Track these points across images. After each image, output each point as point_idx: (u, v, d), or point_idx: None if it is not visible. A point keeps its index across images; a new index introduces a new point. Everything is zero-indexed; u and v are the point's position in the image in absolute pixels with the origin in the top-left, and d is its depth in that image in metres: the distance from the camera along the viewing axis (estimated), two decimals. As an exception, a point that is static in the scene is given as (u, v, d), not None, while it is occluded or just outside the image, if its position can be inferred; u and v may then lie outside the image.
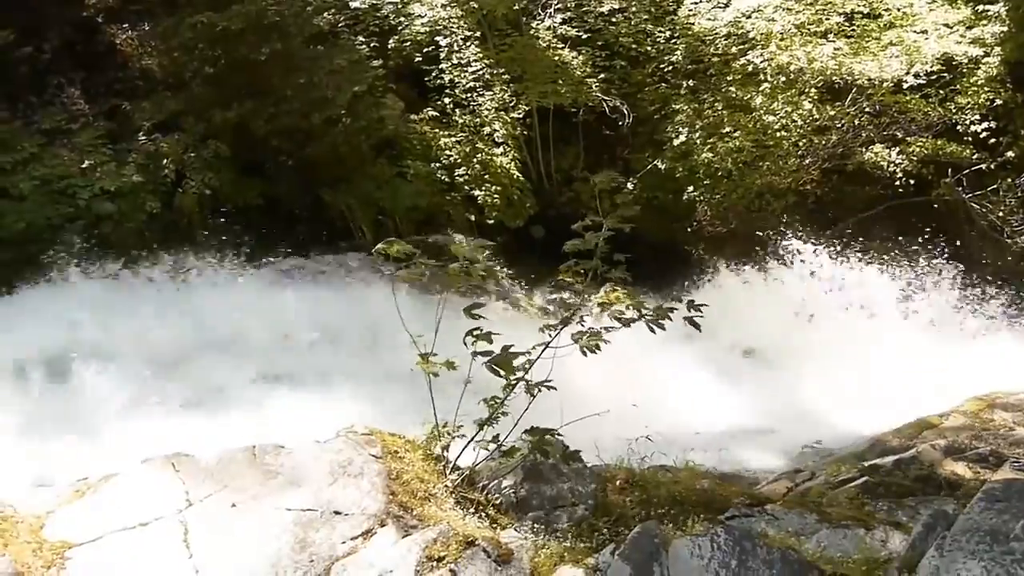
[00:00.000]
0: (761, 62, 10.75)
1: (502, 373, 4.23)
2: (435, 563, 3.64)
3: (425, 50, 11.44)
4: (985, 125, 10.56)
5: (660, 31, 11.65)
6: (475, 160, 11.02)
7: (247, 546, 3.76)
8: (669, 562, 3.37)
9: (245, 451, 4.25)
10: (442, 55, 11.43)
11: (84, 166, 9.94)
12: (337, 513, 3.91)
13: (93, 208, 9.68)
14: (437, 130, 11.25)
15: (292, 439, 4.40)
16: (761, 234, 10.87)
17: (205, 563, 3.71)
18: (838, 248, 10.49)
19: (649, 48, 11.68)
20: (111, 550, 3.78)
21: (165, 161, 10.22)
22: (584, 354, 4.26)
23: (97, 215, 9.67)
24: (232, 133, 10.42)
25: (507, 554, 3.71)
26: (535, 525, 4.08)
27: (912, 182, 10.67)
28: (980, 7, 10.75)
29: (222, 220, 10.19)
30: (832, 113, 10.81)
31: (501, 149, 11.21)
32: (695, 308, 4.36)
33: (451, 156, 11.02)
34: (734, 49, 11.06)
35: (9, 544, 3.75)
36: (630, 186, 10.68)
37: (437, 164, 10.96)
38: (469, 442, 4.35)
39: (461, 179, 10.93)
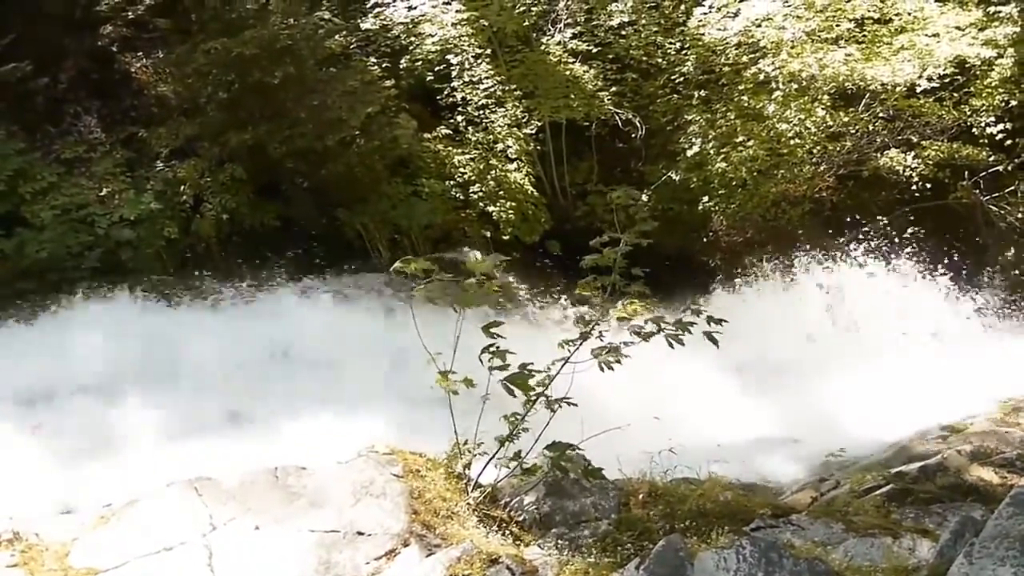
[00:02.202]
0: (772, 70, 10.72)
1: (516, 393, 4.24)
2: (460, 582, 3.64)
3: (436, 69, 11.45)
4: (1000, 127, 10.47)
5: (670, 43, 11.63)
6: (489, 177, 11.03)
7: (271, 569, 3.77)
8: (695, 575, 3.35)
9: (267, 473, 4.28)
10: (454, 73, 11.45)
11: (103, 194, 10.06)
12: (360, 534, 3.92)
13: (112, 236, 9.78)
14: (451, 148, 11.27)
15: (314, 460, 4.42)
16: (778, 243, 10.84)
17: (230, 586, 3.73)
18: (857, 255, 10.44)
19: (660, 60, 11.67)
20: (137, 574, 3.80)
21: (182, 187, 10.32)
22: (602, 370, 4.27)
23: (116, 242, 9.78)
24: (248, 156, 10.50)
25: (531, 571, 3.70)
26: (559, 541, 4.07)
27: (929, 186, 10.60)
28: (992, 9, 10.68)
29: (240, 243, 10.25)
30: (846, 119, 10.76)
31: (515, 165, 11.21)
32: (715, 323, 4.35)
33: (465, 173, 11.04)
34: (745, 58, 11.04)
35: (36, 572, 3.78)
36: (645, 198, 10.65)
37: (451, 182, 10.98)
38: (490, 459, 4.36)
39: (476, 196, 10.94)
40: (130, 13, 11.04)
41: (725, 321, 4.35)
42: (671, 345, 4.28)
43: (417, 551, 3.84)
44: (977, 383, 7.23)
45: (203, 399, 7.82)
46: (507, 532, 4.12)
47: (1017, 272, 10.32)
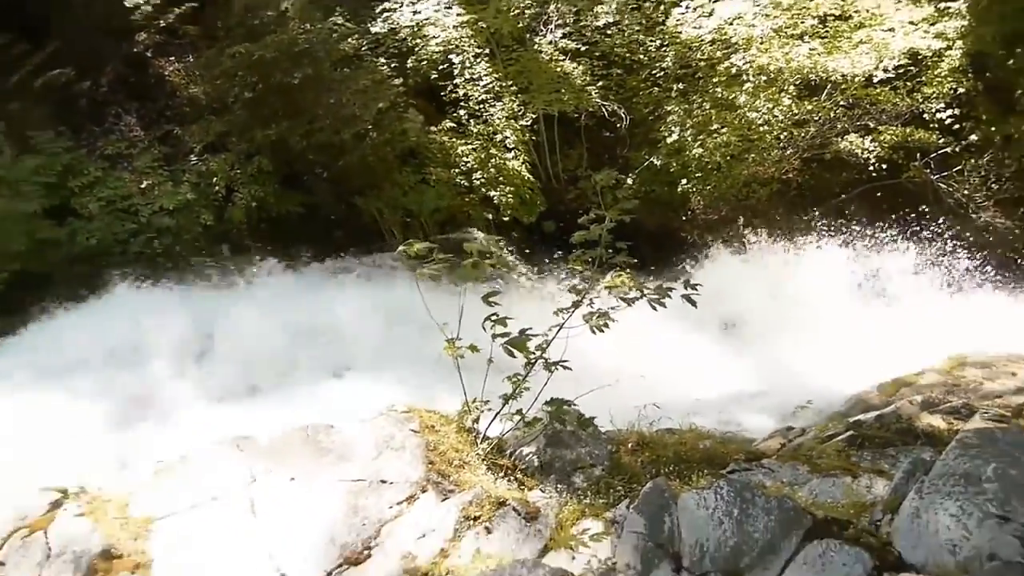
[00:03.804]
0: (743, 64, 10.71)
1: (517, 354, 4.29)
2: (472, 522, 3.71)
3: (440, 68, 11.44)
4: (949, 112, 10.51)
5: (651, 40, 11.61)
6: (490, 165, 11.04)
7: (306, 514, 3.84)
8: (678, 513, 3.42)
9: (299, 431, 4.33)
10: (456, 71, 11.43)
11: (143, 186, 10.04)
12: (383, 482, 3.98)
13: (153, 223, 9.78)
14: (454, 139, 11.27)
15: (340, 419, 4.46)
16: (749, 218, 10.86)
17: (271, 529, 3.81)
18: (820, 228, 10.47)
19: (642, 56, 11.65)
20: (188, 522, 3.88)
21: (215, 178, 10.31)
22: (593, 332, 4.31)
23: (157, 229, 9.77)
24: (272, 150, 10.48)
25: (534, 511, 3.77)
26: (558, 485, 4.14)
27: (885, 167, 10.63)
28: (942, 4, 10.66)
29: (268, 228, 10.27)
30: (810, 107, 10.76)
31: (512, 154, 11.22)
32: (691, 287, 4.40)
33: (468, 162, 11.05)
34: (718, 53, 11.02)
35: (100, 521, 3.85)
36: (630, 181, 10.68)
37: (456, 170, 10.99)
38: (496, 415, 4.42)
39: (478, 182, 10.96)
40: (162, 21, 10.96)
41: (700, 284, 4.40)
42: (654, 308, 4.33)
43: (434, 496, 3.90)
44: (926, 341, 7.26)
45: (240, 368, 7.85)
46: (512, 478, 4.18)
47: (961, 243, 10.34)
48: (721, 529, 3.29)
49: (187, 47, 11.66)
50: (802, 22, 10.74)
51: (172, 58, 11.73)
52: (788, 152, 11.00)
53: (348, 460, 4.11)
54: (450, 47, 11.38)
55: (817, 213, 10.70)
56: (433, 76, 11.48)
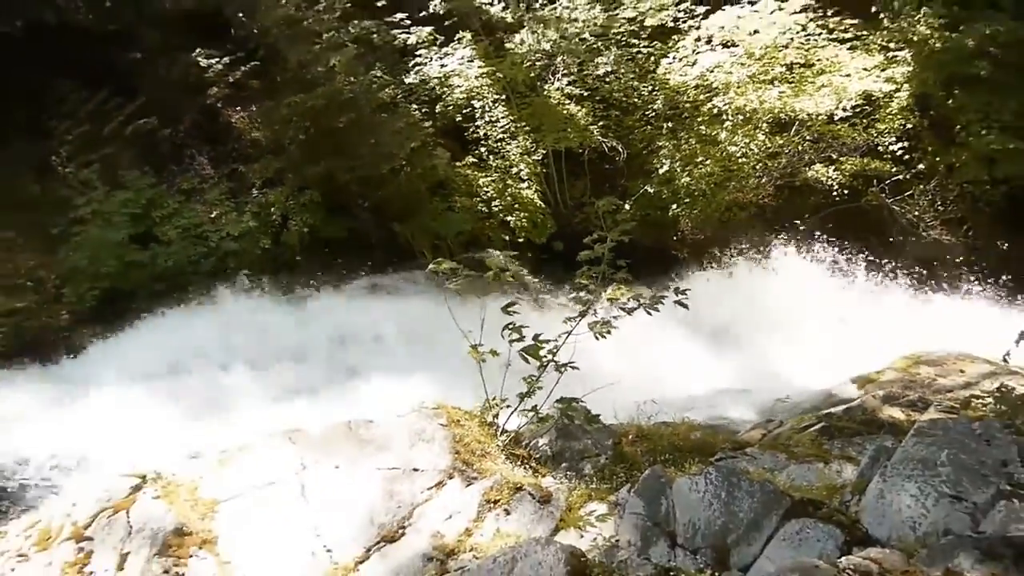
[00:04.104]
0: (723, 105, 10.66)
1: (530, 361, 4.26)
2: (492, 504, 3.66)
3: (464, 112, 11.44)
4: (900, 145, 10.45)
5: (644, 86, 11.56)
6: (507, 194, 11.02)
7: (349, 497, 3.80)
8: (673, 496, 3.35)
9: (343, 425, 4.29)
10: (477, 115, 11.44)
11: (213, 216, 10.08)
12: (416, 470, 3.94)
13: (221, 247, 9.81)
14: (476, 172, 11.25)
15: (378, 414, 4.43)
16: (731, 238, 10.79)
17: (319, 510, 3.77)
18: (792, 245, 10.38)
19: (636, 100, 11.61)
20: (248, 503, 3.85)
21: (272, 208, 10.32)
22: (597, 339, 4.27)
23: (224, 252, 9.80)
24: (321, 183, 10.49)
25: (547, 495, 3.71)
26: (567, 472, 4.09)
27: (846, 192, 10.53)
28: (891, 53, 10.62)
29: (318, 251, 10.27)
30: (781, 142, 10.70)
31: (526, 184, 11.20)
32: (681, 293, 4.36)
33: (488, 192, 11.02)
34: (702, 97, 10.97)
35: (174, 502, 3.83)
36: (627, 207, 10.54)
37: (478, 198, 10.96)
38: (513, 411, 4.37)
39: (496, 209, 10.92)
40: (230, 77, 11.04)
41: (689, 290, 4.35)
42: (649, 314, 4.29)
43: (459, 482, 3.85)
44: (885, 344, 7.15)
45: (292, 371, 7.85)
46: (528, 466, 4.13)
47: (913, 258, 10.25)
48: (711, 510, 3.22)
49: (251, 98, 11.72)
50: (772, 69, 10.69)
51: (238, 108, 11.81)
52: (763, 180, 10.93)
53: (385, 450, 4.07)
54: (472, 94, 11.40)
55: (790, 232, 10.61)
56: (458, 119, 11.49)
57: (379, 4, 11.13)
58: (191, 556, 3.59)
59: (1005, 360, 4.00)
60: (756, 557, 3.08)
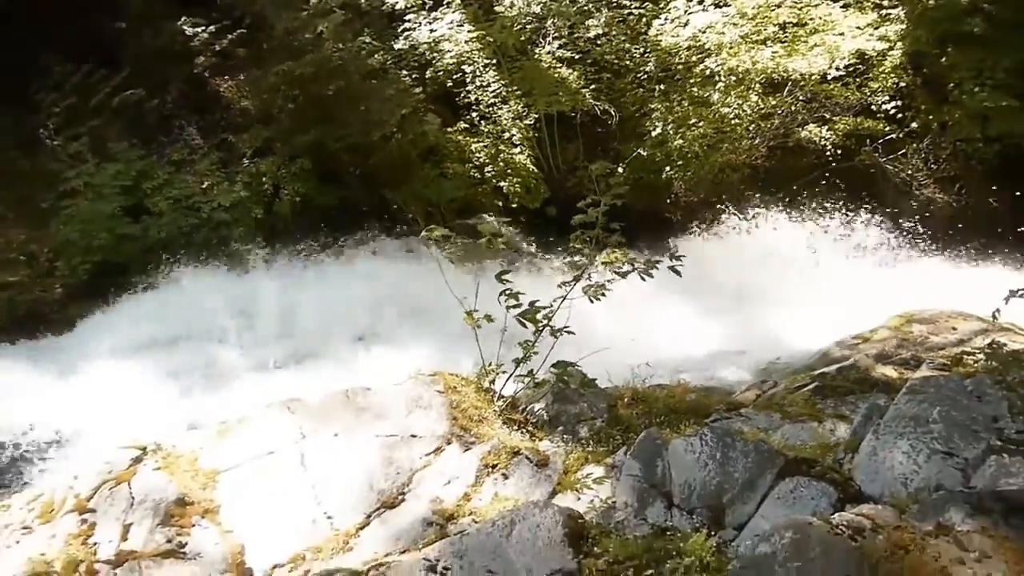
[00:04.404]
0: (716, 67, 10.56)
1: (528, 326, 4.25)
2: (490, 469, 3.68)
3: (454, 77, 11.31)
4: (893, 104, 10.42)
5: (635, 48, 11.44)
6: (499, 159, 10.95)
7: (349, 464, 3.82)
8: (669, 457, 3.38)
9: (341, 394, 4.29)
10: (467, 80, 11.31)
11: (204, 186, 9.98)
12: (414, 436, 3.96)
13: (213, 218, 9.73)
14: (468, 138, 11.17)
15: (375, 382, 4.43)
16: (724, 200, 10.76)
17: (318, 478, 3.79)
18: (785, 206, 10.37)
19: (628, 62, 11.49)
20: (249, 472, 3.87)
21: (264, 178, 10.22)
22: (591, 302, 4.27)
23: (216, 223, 9.71)
24: (312, 152, 10.39)
25: (544, 459, 3.74)
26: (564, 436, 4.11)
27: (839, 152, 10.52)
28: (884, 11, 10.54)
29: (310, 219, 10.20)
30: (774, 102, 10.65)
31: (518, 149, 11.13)
32: (676, 258, 4.34)
33: (480, 157, 10.95)
34: (694, 58, 10.85)
35: (175, 474, 3.85)
36: (620, 170, 10.55)
37: (470, 164, 10.88)
38: (510, 376, 4.38)
39: (489, 174, 10.86)
40: (217, 46, 10.88)
41: (684, 256, 4.34)
42: (643, 279, 4.28)
43: (457, 447, 3.88)
44: (878, 302, 7.18)
45: (289, 340, 7.86)
46: (524, 431, 4.15)
47: (906, 216, 10.25)
48: (706, 470, 3.25)
49: (238, 67, 11.55)
50: (765, 29, 10.57)
51: (226, 77, 11.64)
52: (756, 141, 10.89)
53: (383, 418, 4.08)
54: (462, 59, 11.25)
55: (783, 193, 10.58)
56: (448, 84, 11.35)
57: (366, -32, 10.98)
58: (193, 525, 3.61)
59: (994, 317, 4.00)
60: (751, 516, 3.12)
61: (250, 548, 3.57)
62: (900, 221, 10.13)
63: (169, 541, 3.53)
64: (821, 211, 10.12)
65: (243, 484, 3.82)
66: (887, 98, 10.40)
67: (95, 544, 3.55)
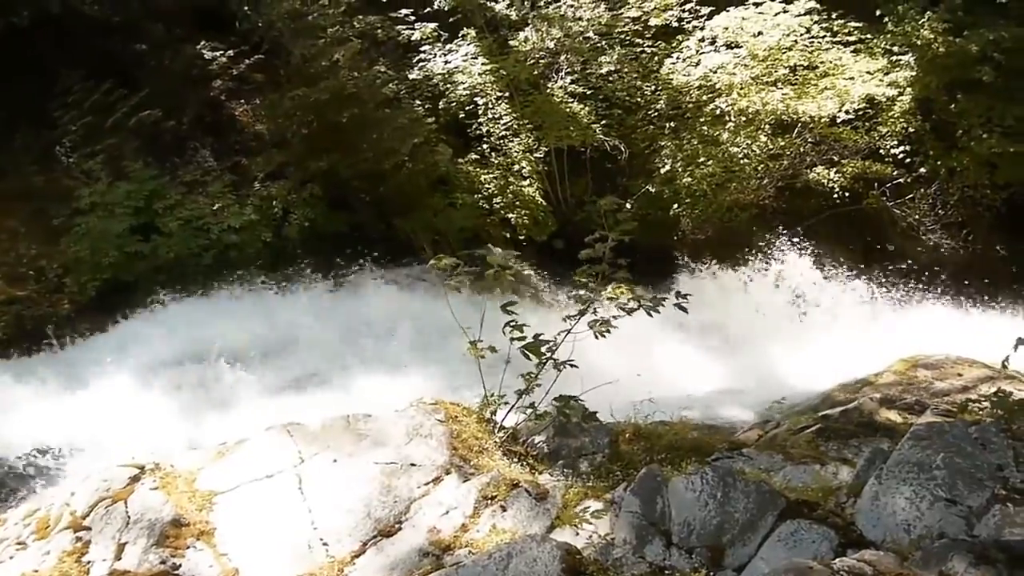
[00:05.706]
0: (726, 107, 10.65)
1: (532, 358, 4.24)
2: (489, 501, 3.65)
3: (467, 108, 11.43)
4: (901, 148, 10.45)
5: (647, 86, 11.55)
6: (508, 191, 11.01)
7: (346, 491, 3.78)
8: (669, 495, 3.34)
9: (342, 419, 4.26)
10: (480, 112, 11.43)
11: (215, 208, 10.05)
12: (413, 465, 3.91)
13: (222, 239, 9.79)
14: (478, 169, 11.24)
15: (376, 409, 4.40)
16: (731, 239, 10.78)
17: (316, 504, 3.75)
18: (792, 248, 10.37)
19: (639, 99, 11.60)
20: (246, 496, 3.83)
21: (274, 202, 10.31)
22: (597, 338, 4.25)
23: (225, 245, 9.77)
24: (324, 178, 10.49)
25: (544, 492, 3.70)
26: (564, 470, 4.07)
27: (847, 194, 10.53)
28: (894, 57, 10.62)
29: (318, 245, 10.25)
30: (783, 143, 10.69)
31: (528, 181, 11.18)
32: (682, 296, 4.34)
33: (490, 188, 11.01)
34: (705, 97, 10.95)
35: (172, 494, 3.82)
36: (629, 206, 10.53)
37: (479, 195, 10.94)
38: (511, 408, 4.35)
39: (498, 206, 10.91)
40: (234, 70, 11.06)
41: (690, 294, 4.33)
42: (649, 315, 4.27)
43: (456, 478, 3.84)
44: (883, 346, 7.15)
45: (292, 363, 7.85)
46: (525, 463, 4.11)
47: (913, 261, 10.25)
48: (706, 509, 3.22)
49: (254, 91, 11.73)
50: (775, 71, 10.67)
51: (242, 101, 11.81)
52: (765, 182, 10.92)
53: (383, 445, 4.05)
54: (475, 91, 11.38)
55: (790, 234, 10.60)
56: (461, 115, 11.48)
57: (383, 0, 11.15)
58: (188, 547, 3.58)
59: (1004, 365, 3.97)
60: (751, 557, 3.08)
61: (244, 572, 3.52)
62: (907, 265, 10.11)
63: (163, 562, 3.49)
64: (828, 253, 10.11)
65: (240, 507, 3.78)
66: (896, 142, 10.44)
67: (89, 562, 3.52)
